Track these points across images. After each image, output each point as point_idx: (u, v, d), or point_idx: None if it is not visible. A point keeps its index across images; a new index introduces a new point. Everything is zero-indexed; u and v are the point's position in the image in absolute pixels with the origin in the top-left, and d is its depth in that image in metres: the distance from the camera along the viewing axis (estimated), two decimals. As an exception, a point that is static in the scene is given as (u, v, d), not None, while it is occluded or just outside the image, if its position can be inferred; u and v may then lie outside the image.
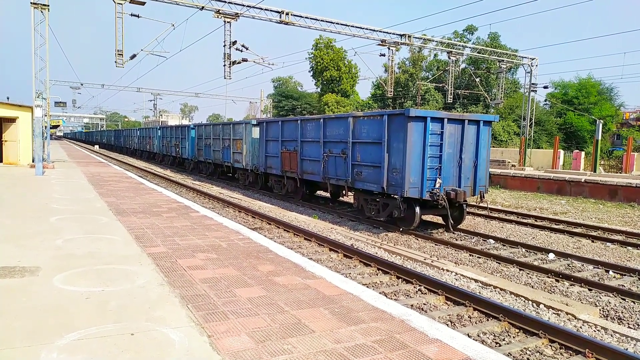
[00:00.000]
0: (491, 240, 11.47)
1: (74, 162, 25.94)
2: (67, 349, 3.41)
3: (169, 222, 8.73)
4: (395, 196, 11.69)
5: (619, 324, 6.46)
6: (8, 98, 23.01)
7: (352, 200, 15.03)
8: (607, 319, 6.66)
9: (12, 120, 21.36)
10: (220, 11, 21.83)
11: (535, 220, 14.66)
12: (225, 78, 23.50)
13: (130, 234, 7.46)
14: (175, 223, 8.69)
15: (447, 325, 5.94)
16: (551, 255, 10.12)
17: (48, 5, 20.00)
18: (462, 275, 8.26)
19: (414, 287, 7.47)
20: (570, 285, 8.13)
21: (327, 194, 17.54)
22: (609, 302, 7.28)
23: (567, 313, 6.54)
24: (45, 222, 8.23)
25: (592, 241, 11.91)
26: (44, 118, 19.13)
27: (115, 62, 20.79)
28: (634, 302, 7.28)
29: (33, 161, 19.56)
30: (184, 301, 4.51)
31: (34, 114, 18.37)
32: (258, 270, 5.75)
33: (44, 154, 19.36)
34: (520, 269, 9.03)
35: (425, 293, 7.23)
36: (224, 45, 22.84)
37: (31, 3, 19.59)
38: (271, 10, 22.91)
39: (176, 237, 7.41)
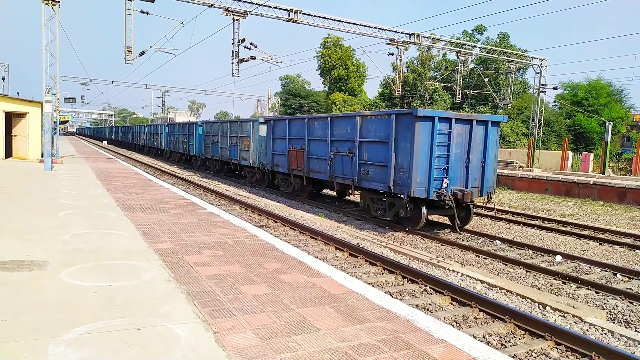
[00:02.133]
0: (498, 242, 11.41)
1: (82, 158, 26.12)
2: (73, 343, 3.43)
3: (176, 219, 8.76)
4: (402, 196, 11.66)
5: (626, 328, 6.41)
6: (18, 93, 23.25)
7: (358, 200, 15.02)
8: (614, 322, 6.61)
9: (22, 115, 21.53)
10: (229, 9, 21.86)
11: (543, 222, 14.57)
12: (233, 76, 23.55)
13: (137, 230, 7.50)
14: (182, 219, 8.73)
15: (453, 325, 5.92)
16: (558, 257, 10.05)
17: (59, 2, 20.14)
18: (468, 276, 8.24)
19: (420, 287, 7.45)
20: (577, 287, 8.07)
21: (334, 193, 17.54)
22: (617, 306, 7.22)
23: (573, 316, 6.50)
24: (54, 217, 8.30)
25: (600, 244, 11.81)
26: (53, 113, 19.27)
27: (125, 58, 20.91)
28: (641, 306, 7.22)
29: (42, 156, 19.72)
30: (190, 297, 4.53)
31: (43, 109, 18.51)
32: (264, 267, 5.76)
33: (52, 149, 19.51)
34: (526, 271, 8.98)
35: (431, 293, 7.21)
36: (233, 43, 22.88)
37: (42, -1, 19.73)
38: (280, 9, 22.91)
39: (183, 234, 7.44)
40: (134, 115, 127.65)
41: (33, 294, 4.43)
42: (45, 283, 4.74)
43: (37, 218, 8.10)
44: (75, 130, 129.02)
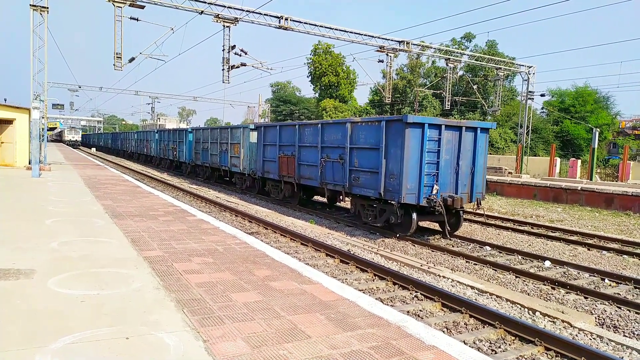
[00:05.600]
0: (487, 247, 11.47)
1: (71, 165, 25.85)
2: (61, 352, 3.38)
3: (166, 226, 8.70)
4: (393, 202, 11.69)
5: (615, 332, 6.46)
6: (5, 100, 22.98)
7: (349, 206, 15.02)
8: (602, 327, 6.67)
9: (9, 122, 21.28)
10: (219, 15, 21.89)
11: (532, 228, 14.68)
12: (223, 82, 23.53)
13: (126, 237, 7.43)
14: (171, 227, 8.66)
15: (444, 332, 5.93)
16: (547, 263, 10.13)
17: (47, 8, 20.01)
18: (458, 282, 8.26)
19: (411, 293, 7.46)
20: (566, 293, 8.13)
21: (324, 199, 17.53)
22: (605, 310, 7.28)
23: (563, 321, 6.54)
24: (41, 224, 8.19)
25: (588, 249, 11.93)
26: (41, 120, 19.07)
27: (114, 65, 20.80)
28: (629, 311, 7.29)
29: (30, 163, 19.49)
30: (180, 305, 4.49)
31: (31, 116, 18.31)
32: (254, 274, 5.73)
33: (40, 156, 19.29)
34: (516, 276, 9.03)
35: (422, 299, 7.22)
36: (223, 50, 22.89)
37: (30, 5, 19.59)
38: (270, 15, 22.99)
39: (172, 241, 7.38)
40: (123, 122, 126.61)
41: (19, 302, 4.36)
42: (32, 291, 4.67)
43: (24, 225, 7.99)
44: (79, 139, 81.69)
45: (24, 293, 4.63)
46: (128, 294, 4.75)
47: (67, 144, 73.89)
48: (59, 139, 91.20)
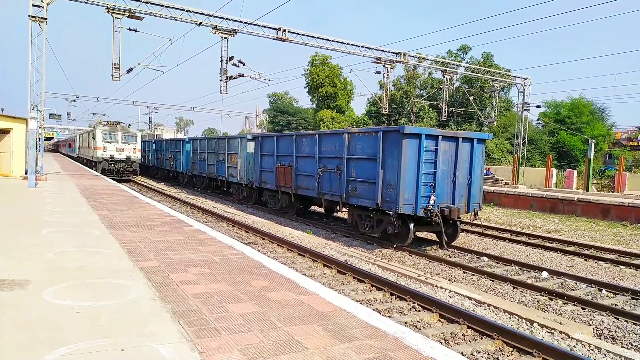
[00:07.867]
0: (485, 258, 11.47)
1: (67, 175, 25.77)
2: (55, 364, 3.34)
3: (162, 236, 8.66)
4: (390, 212, 11.69)
5: (613, 343, 6.45)
6: (2, 109, 22.96)
7: (346, 216, 15.02)
8: (600, 338, 6.65)
9: (6, 131, 21.24)
10: (217, 27, 22.02)
11: (529, 238, 14.69)
12: (221, 93, 23.59)
13: (122, 248, 7.39)
14: (168, 237, 8.62)
15: (441, 343, 5.90)
16: (544, 274, 10.12)
17: (46, 19, 20.08)
18: (455, 292, 8.24)
19: (408, 304, 7.43)
20: (564, 303, 8.12)
21: (321, 210, 17.53)
22: (603, 321, 7.27)
23: (560, 332, 6.53)
24: (37, 234, 8.14)
25: (585, 260, 11.94)
26: (38, 130, 19.05)
27: (112, 75, 20.84)
28: (627, 322, 7.28)
29: (26, 173, 19.42)
30: (176, 316, 4.45)
31: (28, 125, 18.30)
32: (251, 285, 5.70)
33: (37, 166, 19.23)
34: (514, 287, 9.02)
35: (419, 310, 7.19)
36: (221, 61, 22.98)
37: (29, 16, 19.66)
38: (268, 27, 23.14)
39: (169, 251, 7.34)
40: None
41: (14, 313, 4.32)
42: (27, 302, 4.63)
43: (19, 236, 7.94)
44: (139, 157, 33.45)
45: (19, 304, 4.59)
46: (124, 305, 4.71)
47: (103, 171, 31.81)
48: (55, 149, 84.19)
